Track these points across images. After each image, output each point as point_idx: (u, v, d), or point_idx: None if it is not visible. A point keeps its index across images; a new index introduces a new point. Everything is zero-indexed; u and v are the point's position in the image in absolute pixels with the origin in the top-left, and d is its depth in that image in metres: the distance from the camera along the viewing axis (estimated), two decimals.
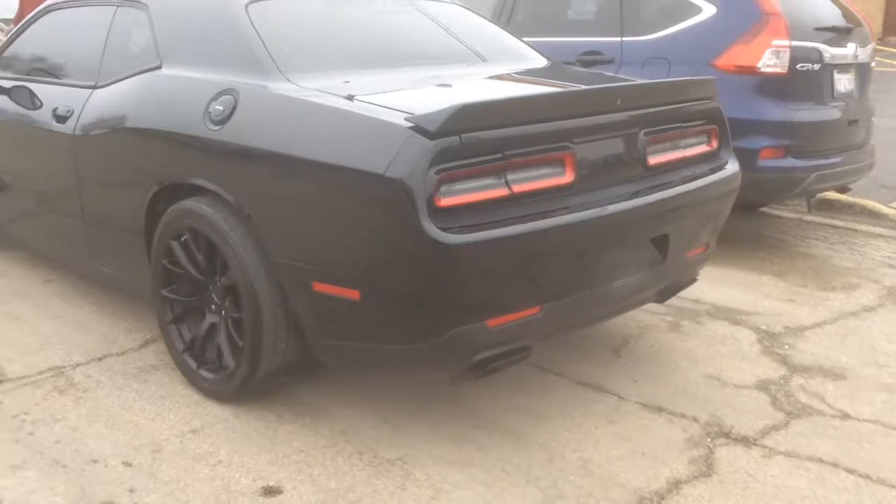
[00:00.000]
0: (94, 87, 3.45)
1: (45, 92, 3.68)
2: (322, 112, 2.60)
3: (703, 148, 3.19)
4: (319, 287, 2.54)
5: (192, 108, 2.90)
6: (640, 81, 3.19)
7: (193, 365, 3.02)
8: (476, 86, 3.18)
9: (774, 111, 4.49)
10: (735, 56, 4.52)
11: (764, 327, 3.70)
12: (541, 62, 3.71)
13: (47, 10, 3.97)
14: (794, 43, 4.50)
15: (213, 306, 2.93)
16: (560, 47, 5.21)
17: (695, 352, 3.44)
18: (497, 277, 2.43)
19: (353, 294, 2.46)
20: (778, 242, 5.12)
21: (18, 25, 4.21)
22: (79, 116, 3.42)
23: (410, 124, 2.34)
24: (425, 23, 3.65)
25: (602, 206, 2.63)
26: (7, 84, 3.83)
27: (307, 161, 2.52)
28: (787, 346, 3.51)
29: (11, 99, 3.71)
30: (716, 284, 4.23)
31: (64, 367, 3.19)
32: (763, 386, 3.15)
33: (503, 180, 2.44)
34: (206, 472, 2.53)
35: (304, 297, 2.62)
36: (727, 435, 2.79)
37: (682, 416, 2.91)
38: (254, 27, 3.01)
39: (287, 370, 2.90)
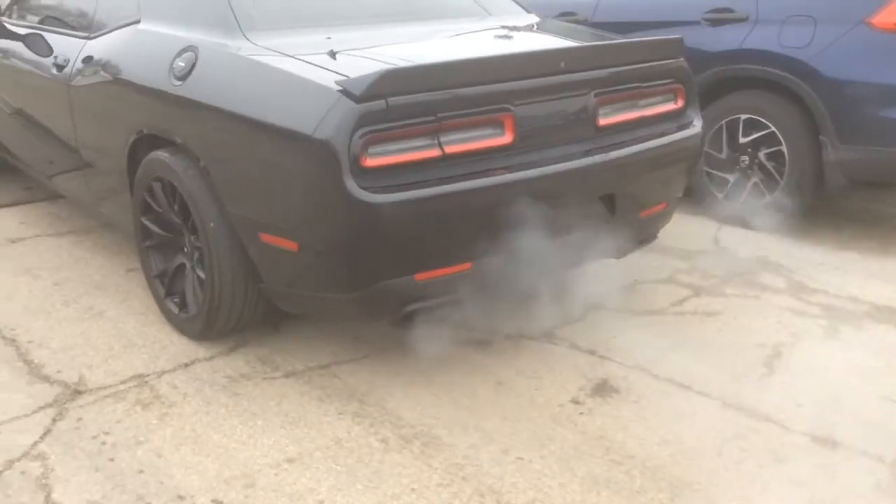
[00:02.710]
0: (87, 38, 3.60)
1: (51, 40, 3.84)
2: (262, 71, 2.72)
3: (667, 107, 3.16)
4: (265, 238, 2.70)
5: (161, 63, 3.04)
6: (591, 43, 3.28)
7: (162, 292, 3.24)
8: (456, 43, 3.24)
9: None
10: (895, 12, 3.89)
11: None
12: (532, 18, 3.70)
13: None
14: None
15: (184, 249, 3.13)
16: (681, 4, 4.65)
17: (863, 365, 2.93)
18: (424, 235, 2.54)
19: (292, 246, 2.62)
20: None
21: None
22: (73, 66, 3.59)
23: (339, 87, 2.42)
24: None
25: (541, 167, 2.67)
26: (23, 31, 4.06)
27: (249, 119, 2.66)
28: None
29: (26, 45, 3.91)
30: (871, 278, 3.68)
31: (148, 376, 2.90)
32: None
33: (436, 141, 2.51)
34: None
35: (253, 246, 2.78)
36: None
37: (864, 453, 2.42)
38: None
39: (256, 317, 3.04)
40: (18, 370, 2.92)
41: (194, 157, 2.89)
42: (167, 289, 3.21)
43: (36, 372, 2.92)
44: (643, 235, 3.26)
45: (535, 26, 3.59)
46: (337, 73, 2.51)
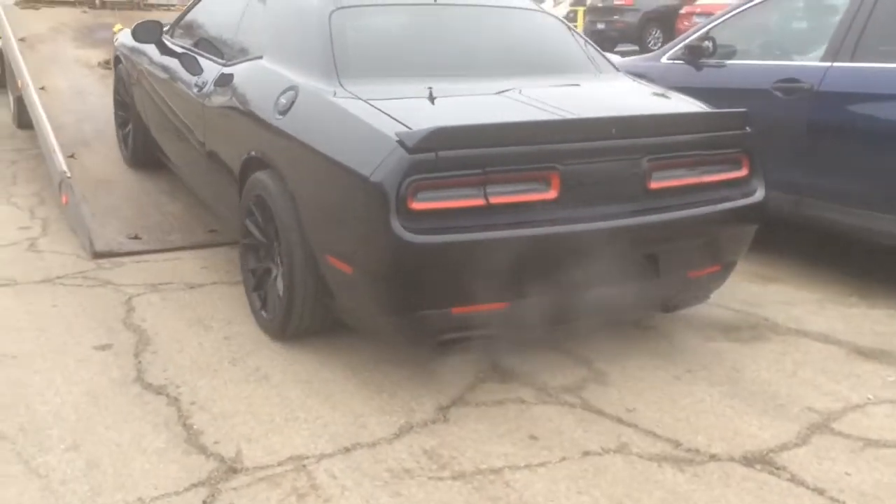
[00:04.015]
0: (224, 65, 4.02)
1: (199, 62, 4.32)
2: (339, 115, 3.04)
3: (730, 174, 3.20)
4: (330, 259, 3.03)
5: (269, 97, 3.42)
6: (645, 112, 3.31)
7: (252, 284, 3.61)
8: (533, 99, 3.22)
9: None
10: None
11: None
12: (625, 80, 3.82)
13: None
14: None
15: (274, 258, 3.42)
16: None
17: None
18: (461, 274, 2.74)
19: (348, 269, 2.93)
20: None
21: (192, 2, 5.03)
22: (208, 87, 4.03)
23: (397, 138, 2.68)
24: (533, 33, 3.94)
25: (582, 223, 2.83)
26: (179, 50, 4.63)
27: (325, 155, 2.99)
28: None
29: (181, 64, 4.44)
30: None
31: (307, 459, 2.64)
32: None
33: (481, 192, 2.72)
34: None
35: (322, 265, 3.10)
36: None
37: None
38: (330, 34, 3.41)
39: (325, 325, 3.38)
40: (177, 436, 2.76)
41: (284, 182, 3.25)
42: (256, 283, 3.58)
43: (193, 440, 2.74)
44: (692, 295, 3.38)
45: (622, 89, 3.72)
46: (399, 122, 2.78)
